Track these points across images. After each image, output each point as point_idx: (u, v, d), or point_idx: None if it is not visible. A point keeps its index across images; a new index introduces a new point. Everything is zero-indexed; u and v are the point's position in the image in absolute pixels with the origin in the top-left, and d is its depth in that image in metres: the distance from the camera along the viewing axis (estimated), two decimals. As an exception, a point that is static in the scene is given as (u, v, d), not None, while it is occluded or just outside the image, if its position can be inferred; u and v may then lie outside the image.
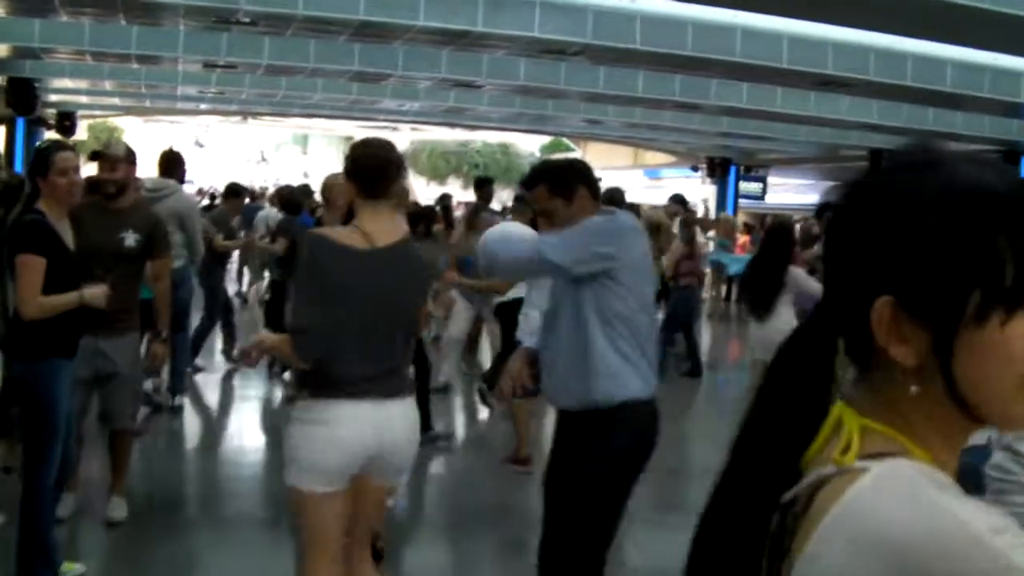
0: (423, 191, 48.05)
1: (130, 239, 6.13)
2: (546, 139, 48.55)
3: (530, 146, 49.89)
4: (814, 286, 8.94)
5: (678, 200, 17.00)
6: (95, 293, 5.15)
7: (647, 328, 4.59)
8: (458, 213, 16.75)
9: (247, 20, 12.26)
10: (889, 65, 12.84)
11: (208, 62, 15.30)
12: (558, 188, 4.56)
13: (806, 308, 9.65)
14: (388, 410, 4.10)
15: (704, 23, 11.94)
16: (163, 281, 6.47)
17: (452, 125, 31.66)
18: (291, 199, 12.64)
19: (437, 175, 50.32)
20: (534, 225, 5.79)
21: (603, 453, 4.42)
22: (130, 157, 6.58)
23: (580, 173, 4.69)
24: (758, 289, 8.84)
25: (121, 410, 6.32)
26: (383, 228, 4.14)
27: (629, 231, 4.55)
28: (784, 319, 8.38)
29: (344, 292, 4.01)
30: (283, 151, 55.85)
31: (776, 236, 9.18)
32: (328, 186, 7.99)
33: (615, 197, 9.73)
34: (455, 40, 13.02)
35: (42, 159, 5.16)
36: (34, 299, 4.99)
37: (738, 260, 17.49)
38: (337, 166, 50.99)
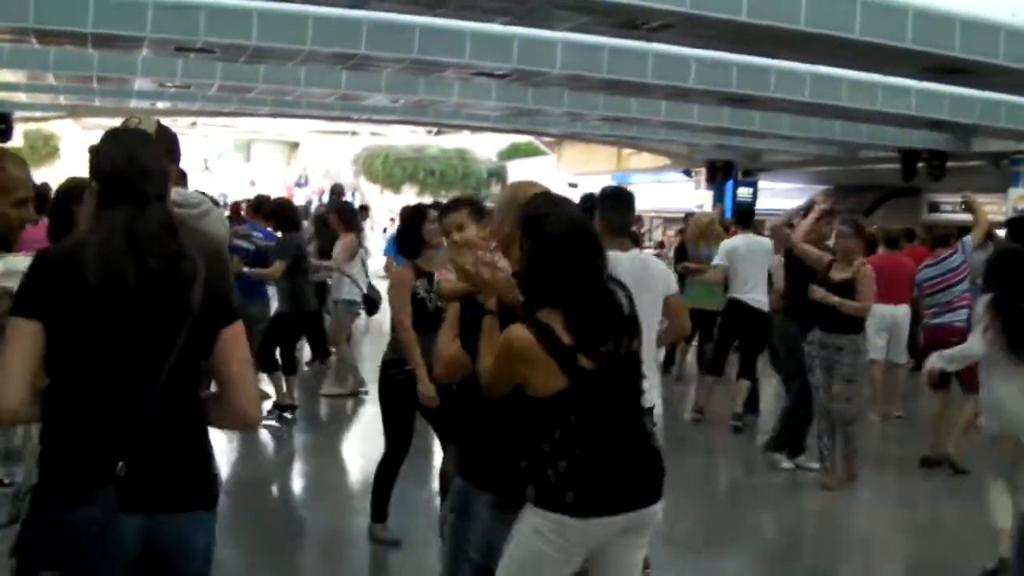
0: (376, 198, 45.72)
1: None
2: (503, 144, 46.48)
3: (487, 152, 47.80)
4: None
5: None
6: None
7: None
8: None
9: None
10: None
11: (182, 44, 12.57)
12: None
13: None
14: None
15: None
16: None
17: (469, 128, 28.27)
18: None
19: (392, 182, 47.92)
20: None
21: None
22: (173, 147, 3.99)
23: None
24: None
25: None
26: None
27: None
28: None
29: None
30: (226, 159, 52.94)
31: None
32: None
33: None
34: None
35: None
36: None
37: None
38: (283, 173, 48.82)
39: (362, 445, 10.01)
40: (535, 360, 3.47)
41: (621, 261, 5.15)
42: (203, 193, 5.76)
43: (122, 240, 2.93)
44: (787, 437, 9.29)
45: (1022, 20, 10.49)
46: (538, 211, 3.69)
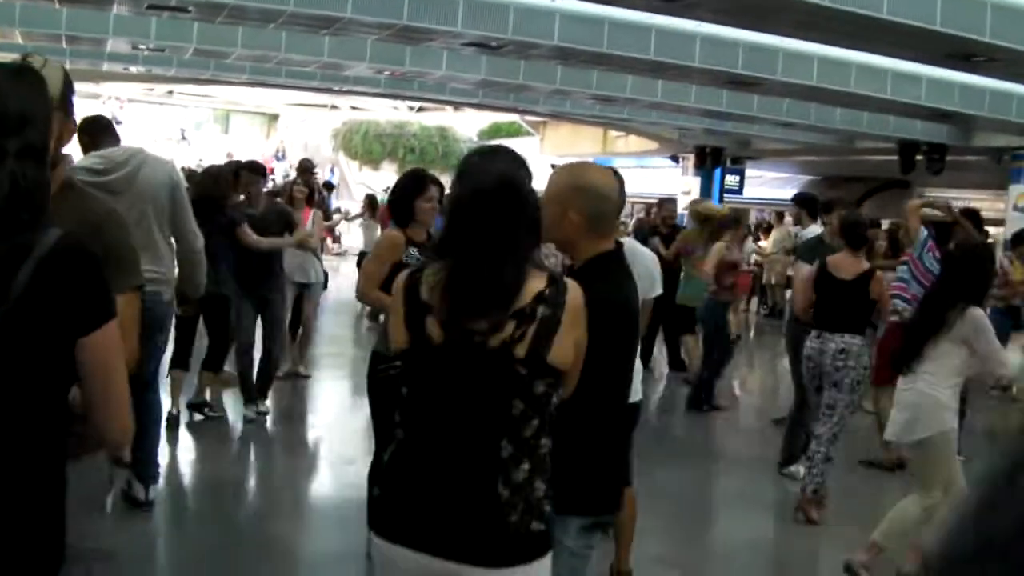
0: (354, 175, 45.00)
1: None
2: (484, 123, 45.84)
3: (468, 131, 47.21)
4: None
5: None
6: None
7: None
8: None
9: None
10: None
11: (154, 1, 11.75)
12: None
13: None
14: None
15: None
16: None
17: (454, 104, 26.99)
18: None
19: (371, 158, 47.19)
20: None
21: None
22: (66, 92, 3.14)
23: None
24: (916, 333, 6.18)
25: None
26: None
27: None
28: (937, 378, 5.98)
29: None
30: (204, 130, 52.10)
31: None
32: None
33: None
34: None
35: None
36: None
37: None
38: (261, 146, 48.30)
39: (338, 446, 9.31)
40: (396, 304, 3.03)
41: None
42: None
43: None
44: (798, 447, 8.59)
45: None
46: (463, 167, 3.18)
